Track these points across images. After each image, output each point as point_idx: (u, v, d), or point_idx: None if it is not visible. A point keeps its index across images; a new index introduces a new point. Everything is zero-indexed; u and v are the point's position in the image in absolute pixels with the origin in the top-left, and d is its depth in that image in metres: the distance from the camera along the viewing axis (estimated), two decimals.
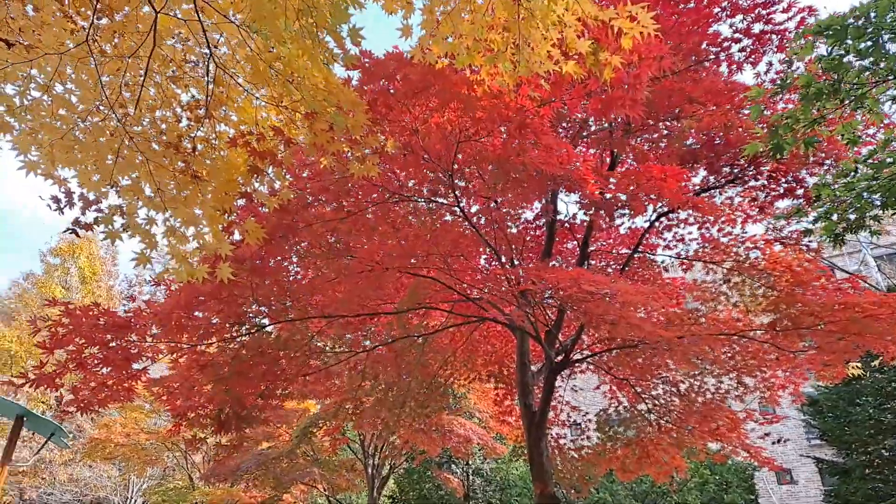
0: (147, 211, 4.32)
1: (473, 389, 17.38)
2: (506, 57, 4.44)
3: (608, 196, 5.93)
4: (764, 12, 6.83)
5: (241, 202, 5.61)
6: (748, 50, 7.22)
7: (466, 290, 8.75)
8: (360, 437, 19.97)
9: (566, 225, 9.18)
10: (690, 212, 9.46)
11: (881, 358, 17.11)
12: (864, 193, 5.36)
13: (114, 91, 4.84)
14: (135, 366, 6.02)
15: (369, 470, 19.98)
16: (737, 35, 7.04)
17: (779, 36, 7.04)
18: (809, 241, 7.47)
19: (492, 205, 7.09)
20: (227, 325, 6.25)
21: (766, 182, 7.26)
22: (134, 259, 3.97)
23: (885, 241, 19.97)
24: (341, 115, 4.53)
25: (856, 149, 5.21)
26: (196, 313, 6.02)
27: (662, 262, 10.15)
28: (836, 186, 5.24)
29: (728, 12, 6.82)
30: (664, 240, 9.77)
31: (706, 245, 9.36)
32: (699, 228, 9.50)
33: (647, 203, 5.74)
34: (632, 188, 5.60)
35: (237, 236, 5.85)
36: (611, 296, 4.63)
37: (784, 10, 6.84)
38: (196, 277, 4.13)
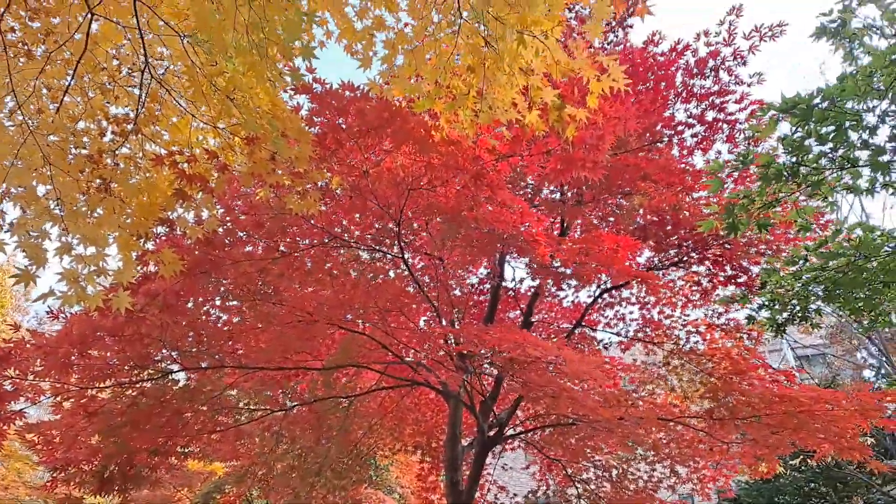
0: (45, 225, 3.76)
1: (396, 462, 16.45)
2: (467, 104, 4.23)
3: (557, 263, 5.71)
4: (718, 101, 7.03)
5: (161, 230, 5.06)
6: (700, 136, 7.38)
7: (402, 351, 8.25)
8: None
9: (511, 292, 8.94)
10: (633, 291, 9.43)
11: (801, 457, 17.25)
12: (810, 285, 5.34)
13: (29, 93, 4.34)
14: (10, 406, 5.18)
15: None
16: (690, 120, 7.19)
17: (730, 126, 7.24)
18: (750, 330, 7.46)
19: (437, 262, 6.76)
20: (126, 368, 5.51)
21: (710, 267, 7.26)
22: (16, 276, 3.37)
23: (807, 341, 20.72)
24: (285, 143, 4.16)
25: (807, 236, 5.21)
26: (92, 351, 5.28)
27: (602, 340, 10.00)
28: (784, 274, 5.19)
29: (683, 97, 6.98)
30: (605, 317, 9.65)
31: (646, 327, 9.29)
32: (640, 309, 9.45)
33: (597, 273, 5.54)
34: (582, 256, 5.40)
35: (153, 268, 5.25)
36: (557, 364, 4.31)
37: (737, 101, 7.07)
38: (88, 305, 3.55)
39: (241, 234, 5.27)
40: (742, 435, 7.51)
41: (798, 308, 5.74)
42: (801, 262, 5.10)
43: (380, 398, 9.64)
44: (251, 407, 7.03)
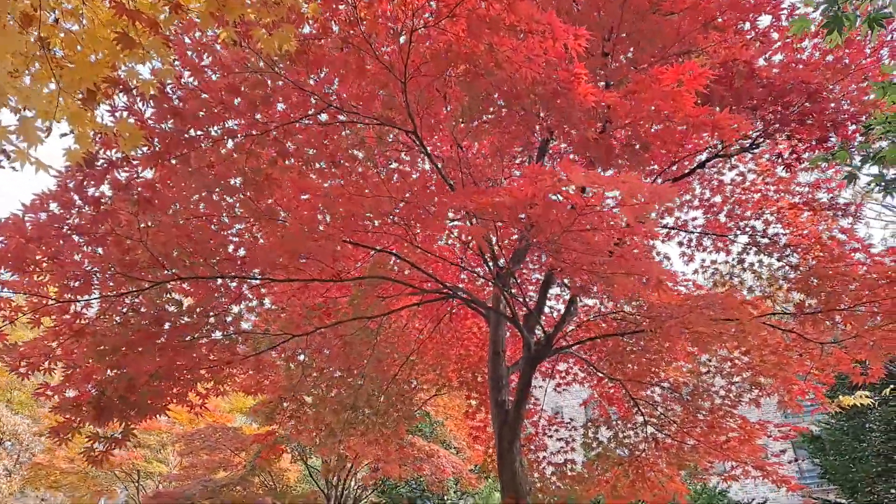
0: None
1: (451, 416, 15.88)
2: None
3: (605, 112, 4.65)
4: None
5: (121, 101, 4.26)
6: None
7: (433, 268, 7.41)
8: (326, 461, 18.17)
9: None
10: (696, 193, 8.25)
11: (892, 385, 15.58)
12: None
13: None
14: None
15: (332, 503, 18.10)
16: None
17: None
18: (846, 207, 6.20)
19: (459, 151, 5.78)
20: (109, 279, 4.80)
21: (790, 134, 5.98)
22: None
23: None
24: None
25: None
26: (67, 259, 4.58)
27: (662, 254, 8.88)
28: None
29: None
30: (664, 227, 8.51)
31: (711, 234, 8.13)
32: (705, 213, 8.26)
33: (656, 118, 4.43)
34: (631, 104, 4.33)
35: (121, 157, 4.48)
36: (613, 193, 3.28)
37: None
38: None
39: (218, 112, 4.41)
40: (835, 341, 6.35)
41: None
42: None
43: (416, 332, 8.88)
44: (267, 332, 6.30)
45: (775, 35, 5.92)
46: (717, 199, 8.14)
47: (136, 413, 5.25)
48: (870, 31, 3.60)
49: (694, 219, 8.45)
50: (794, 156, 6.02)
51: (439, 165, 5.11)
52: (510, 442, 5.70)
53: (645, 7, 5.03)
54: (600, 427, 8.49)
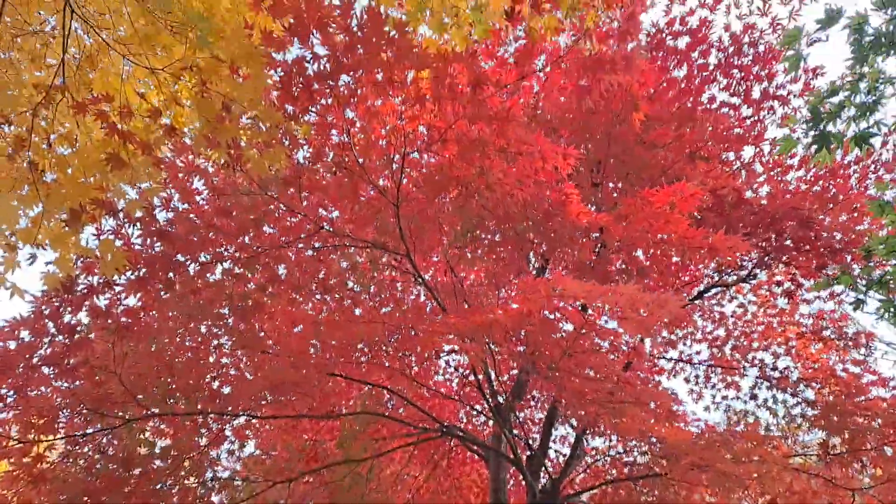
0: None
1: None
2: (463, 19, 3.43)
3: (598, 237, 4.59)
4: (763, 72, 6.05)
5: (108, 224, 4.21)
6: (747, 122, 6.36)
7: (427, 404, 7.01)
8: None
9: None
10: (700, 324, 8.06)
11: None
12: None
13: None
14: None
15: None
16: (733, 99, 6.20)
17: (781, 104, 6.22)
18: (856, 338, 5.96)
19: (454, 279, 5.68)
20: (78, 416, 4.44)
21: (787, 262, 5.92)
22: None
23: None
24: (232, 78, 3.39)
25: None
26: (31, 392, 4.27)
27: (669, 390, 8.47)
28: None
29: (722, 68, 6.02)
30: (669, 360, 8.20)
31: (718, 368, 7.82)
32: (709, 346, 8.01)
33: (648, 251, 4.38)
34: (622, 227, 4.28)
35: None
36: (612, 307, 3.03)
37: (785, 70, 6.08)
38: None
39: (208, 236, 4.36)
40: (866, 487, 5.80)
41: None
42: None
43: (411, 481, 8.20)
44: (249, 479, 5.76)
45: (759, 168, 6.10)
46: (721, 332, 7.94)
47: None
48: (858, 147, 3.64)
49: (698, 352, 8.18)
50: (794, 284, 5.91)
51: (433, 291, 4.96)
52: None
53: (630, 140, 5.18)
54: None
